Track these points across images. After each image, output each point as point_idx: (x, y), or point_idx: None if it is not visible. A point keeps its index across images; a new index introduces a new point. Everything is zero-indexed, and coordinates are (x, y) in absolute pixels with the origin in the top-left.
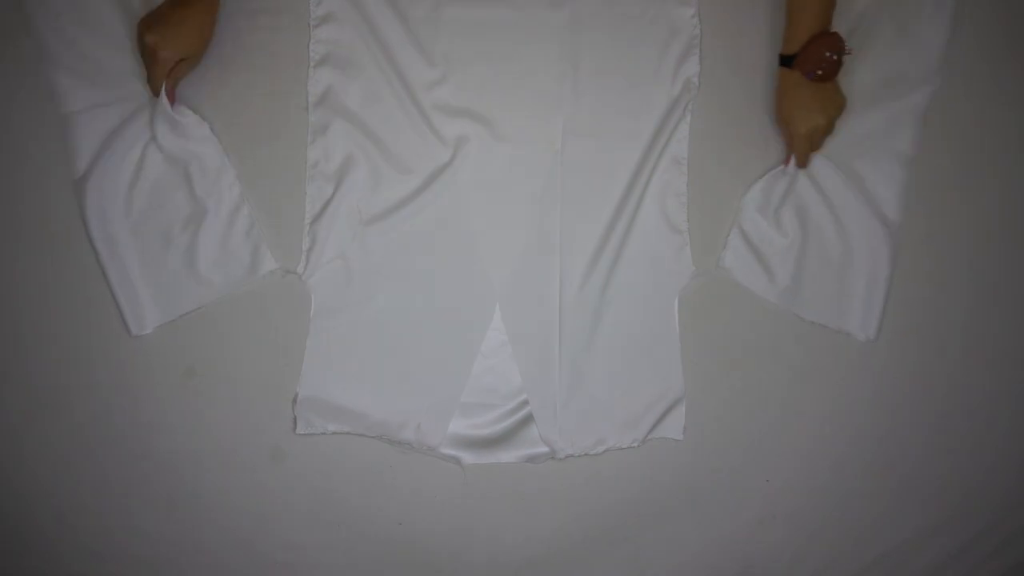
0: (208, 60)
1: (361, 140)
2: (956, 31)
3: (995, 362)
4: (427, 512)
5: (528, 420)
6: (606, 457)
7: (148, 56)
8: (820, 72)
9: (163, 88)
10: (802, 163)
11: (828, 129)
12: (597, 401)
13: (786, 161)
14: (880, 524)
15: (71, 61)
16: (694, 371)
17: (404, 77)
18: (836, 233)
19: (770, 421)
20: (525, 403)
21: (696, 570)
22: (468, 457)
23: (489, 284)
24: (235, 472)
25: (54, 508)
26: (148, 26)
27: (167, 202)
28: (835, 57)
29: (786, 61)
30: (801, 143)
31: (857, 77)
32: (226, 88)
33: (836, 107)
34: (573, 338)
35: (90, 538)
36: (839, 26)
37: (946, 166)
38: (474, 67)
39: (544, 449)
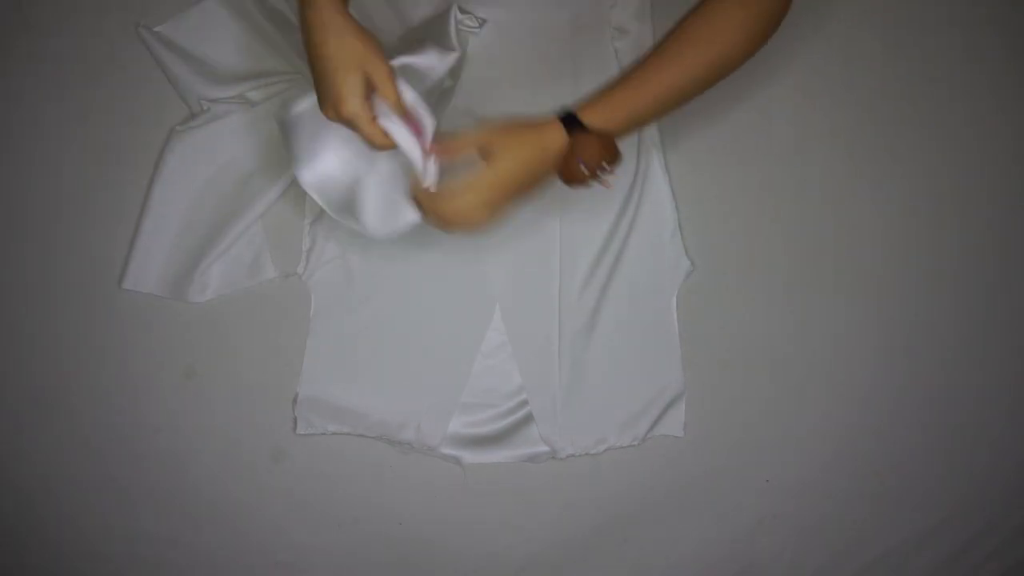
0: None
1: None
2: (949, 35)
3: (993, 362)
4: (427, 512)
5: (528, 420)
6: (606, 456)
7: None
8: (581, 176)
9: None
10: None
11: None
12: (597, 400)
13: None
14: (880, 524)
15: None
16: (693, 370)
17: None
18: None
19: (770, 421)
20: (525, 403)
21: (696, 569)
22: (468, 457)
23: (489, 284)
24: (235, 472)
25: (54, 508)
26: (328, 104)
27: (229, 192)
28: (598, 172)
29: (573, 124)
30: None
31: None
32: None
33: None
34: (573, 338)
35: (90, 538)
36: None
37: (940, 168)
38: (474, 68)
39: (544, 448)
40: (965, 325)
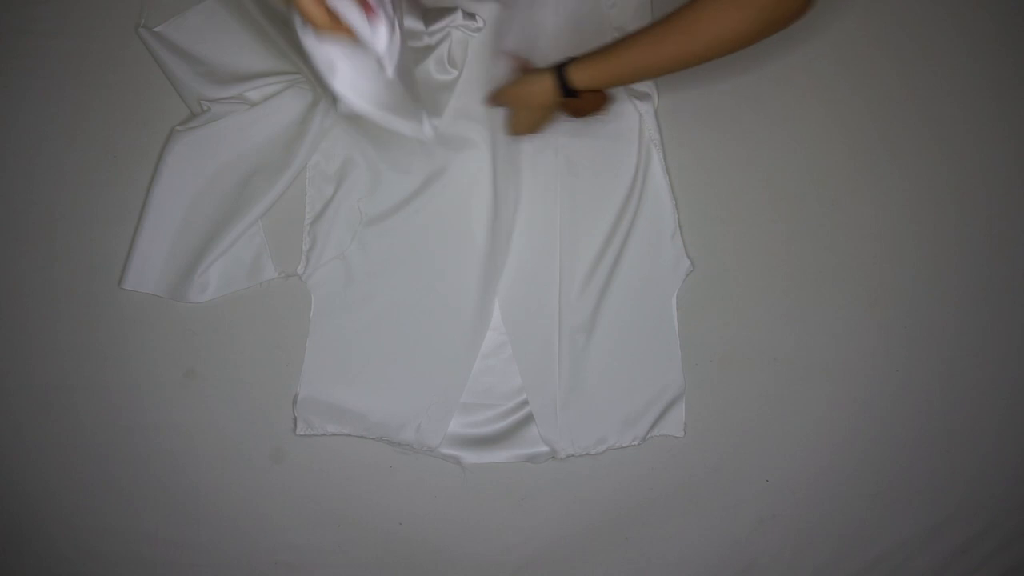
0: None
1: (361, 141)
2: (949, 35)
3: (992, 362)
4: (427, 512)
5: (528, 420)
6: (606, 456)
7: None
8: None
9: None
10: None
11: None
12: (597, 400)
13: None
14: (880, 524)
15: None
16: (693, 371)
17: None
18: None
19: (770, 421)
20: (525, 403)
21: (696, 569)
22: (468, 457)
23: (489, 284)
24: (235, 472)
25: (55, 508)
26: None
27: (229, 192)
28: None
29: (567, 88)
30: (516, 130)
31: None
32: None
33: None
34: (573, 338)
35: (91, 538)
36: None
37: (940, 168)
38: (474, 68)
39: (544, 449)
40: (965, 325)
